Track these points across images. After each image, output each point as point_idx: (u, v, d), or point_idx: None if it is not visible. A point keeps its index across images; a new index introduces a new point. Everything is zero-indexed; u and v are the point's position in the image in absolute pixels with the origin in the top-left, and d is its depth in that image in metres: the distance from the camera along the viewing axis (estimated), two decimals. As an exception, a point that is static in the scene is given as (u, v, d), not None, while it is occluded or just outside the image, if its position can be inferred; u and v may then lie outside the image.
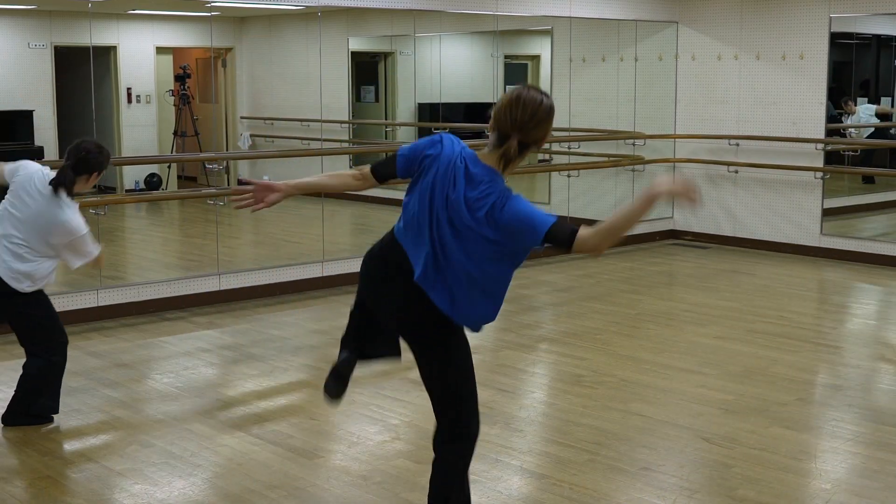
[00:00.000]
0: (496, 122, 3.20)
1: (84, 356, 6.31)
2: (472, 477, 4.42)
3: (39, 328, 4.96)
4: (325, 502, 4.18)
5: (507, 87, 12.31)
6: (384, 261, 3.41)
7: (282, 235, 10.98)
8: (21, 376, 4.99)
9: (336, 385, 3.70)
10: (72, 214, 4.80)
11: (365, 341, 3.66)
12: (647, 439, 4.86)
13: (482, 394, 5.61)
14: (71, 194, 4.82)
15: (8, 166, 4.96)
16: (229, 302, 7.84)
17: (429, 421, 5.19)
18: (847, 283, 8.98)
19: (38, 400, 5.01)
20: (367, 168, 3.47)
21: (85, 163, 4.86)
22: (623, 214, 3.06)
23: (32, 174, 4.86)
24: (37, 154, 11.04)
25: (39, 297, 4.95)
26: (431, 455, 4.66)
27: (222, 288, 7.86)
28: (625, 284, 8.68)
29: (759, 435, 4.91)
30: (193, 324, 7.23)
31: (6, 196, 4.92)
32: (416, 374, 5.99)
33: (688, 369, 6.02)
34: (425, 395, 5.60)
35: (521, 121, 3.16)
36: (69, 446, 4.83)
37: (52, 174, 4.87)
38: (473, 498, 4.23)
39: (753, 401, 5.44)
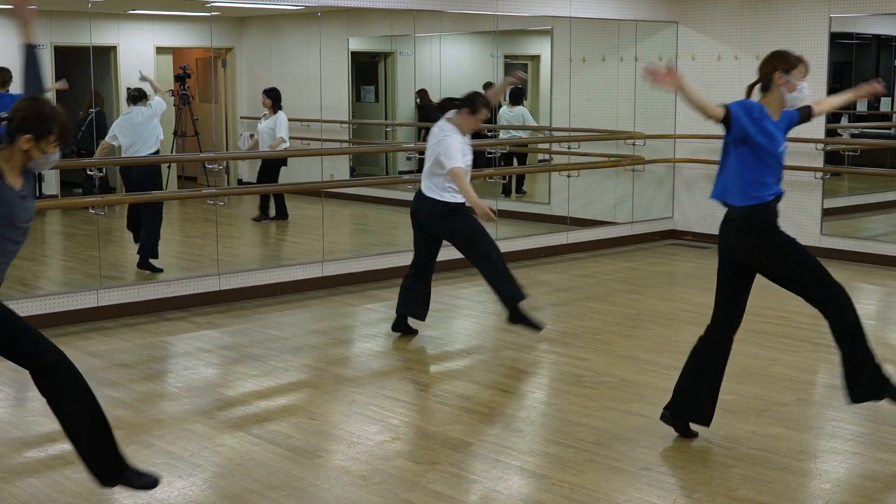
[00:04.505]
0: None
1: (84, 356, 6.30)
2: (471, 477, 4.43)
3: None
4: (325, 502, 4.18)
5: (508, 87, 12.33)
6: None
7: (282, 235, 10.99)
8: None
9: None
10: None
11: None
12: (647, 439, 4.86)
13: (482, 394, 5.63)
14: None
15: None
16: (229, 302, 7.84)
17: (429, 421, 5.19)
18: (847, 283, 8.87)
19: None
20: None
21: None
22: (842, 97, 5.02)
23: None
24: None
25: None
26: (431, 455, 4.66)
27: (222, 288, 7.86)
28: (625, 284, 8.68)
29: (759, 435, 4.91)
30: (193, 324, 7.23)
31: None
32: (415, 374, 6.02)
33: (688, 369, 6.01)
34: (425, 394, 5.63)
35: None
36: (69, 446, 4.82)
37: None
38: (473, 498, 4.24)
39: (753, 401, 5.44)
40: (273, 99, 10.80)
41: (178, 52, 13.79)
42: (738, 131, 4.41)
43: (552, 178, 11.24)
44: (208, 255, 8.59)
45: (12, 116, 3.60)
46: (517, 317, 6.51)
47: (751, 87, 4.62)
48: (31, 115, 3.61)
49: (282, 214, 11.23)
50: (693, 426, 4.82)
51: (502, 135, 11.77)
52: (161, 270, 8.43)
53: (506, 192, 11.96)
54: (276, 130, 10.62)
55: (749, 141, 4.43)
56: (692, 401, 4.75)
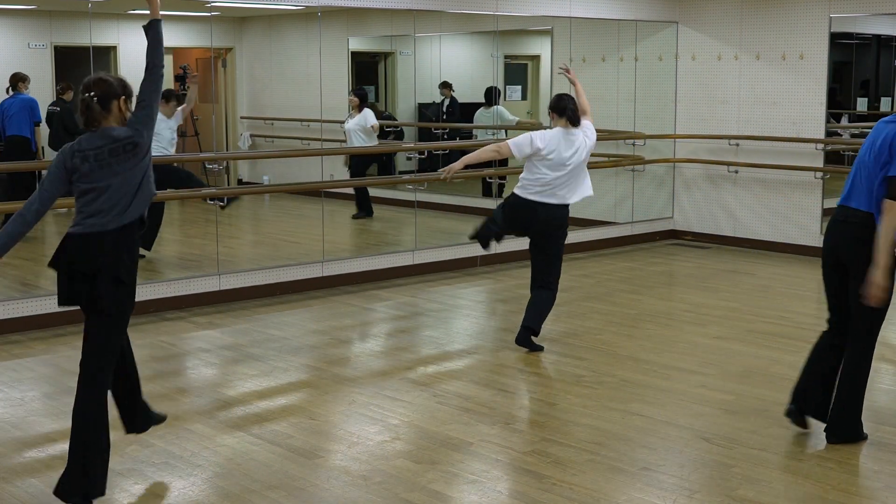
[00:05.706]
0: None
1: (84, 356, 6.30)
2: (471, 477, 4.43)
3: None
4: (325, 502, 4.18)
5: (508, 87, 12.33)
6: None
7: (282, 235, 10.99)
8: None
9: None
10: None
11: None
12: (647, 439, 4.86)
13: (482, 394, 5.63)
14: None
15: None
16: (229, 302, 7.84)
17: (429, 421, 5.19)
18: (847, 283, 8.96)
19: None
20: None
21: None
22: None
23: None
24: (36, 155, 11.02)
25: None
26: (431, 455, 4.67)
27: (222, 288, 7.87)
28: (625, 284, 8.68)
29: (759, 435, 4.91)
30: (193, 324, 7.23)
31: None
32: (415, 374, 6.02)
33: (688, 369, 6.02)
34: (425, 394, 5.63)
35: None
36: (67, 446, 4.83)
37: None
38: (473, 498, 4.24)
39: (753, 401, 5.44)
40: (360, 98, 11.13)
41: (178, 52, 13.78)
42: None
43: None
44: (208, 255, 8.59)
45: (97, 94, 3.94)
46: (525, 341, 6.55)
47: None
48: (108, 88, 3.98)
49: (367, 211, 11.47)
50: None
51: (480, 136, 11.66)
52: (142, 257, 8.81)
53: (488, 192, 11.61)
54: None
55: None
56: (813, 396, 4.91)
